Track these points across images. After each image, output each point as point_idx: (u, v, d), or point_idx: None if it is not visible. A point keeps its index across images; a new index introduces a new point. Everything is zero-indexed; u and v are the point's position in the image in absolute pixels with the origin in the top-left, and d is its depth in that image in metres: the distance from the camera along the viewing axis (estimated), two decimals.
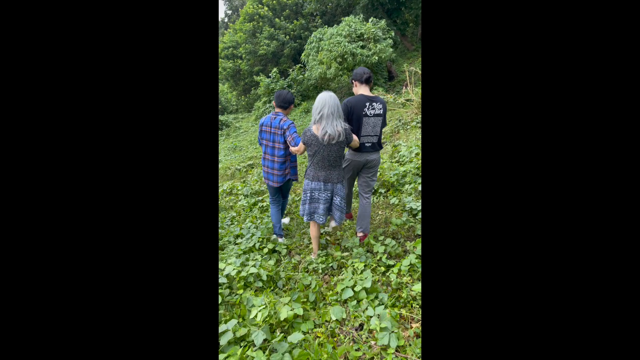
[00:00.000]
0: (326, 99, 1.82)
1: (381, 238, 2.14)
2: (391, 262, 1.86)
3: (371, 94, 2.06)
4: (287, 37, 14.81)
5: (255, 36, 15.02)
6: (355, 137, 1.97)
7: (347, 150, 2.14)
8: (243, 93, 16.19)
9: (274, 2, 15.39)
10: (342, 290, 1.65)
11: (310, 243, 2.30)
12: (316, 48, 9.90)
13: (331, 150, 1.86)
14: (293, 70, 12.97)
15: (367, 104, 2.00)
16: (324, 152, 1.86)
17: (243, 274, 1.75)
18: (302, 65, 12.72)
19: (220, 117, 13.16)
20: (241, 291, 1.69)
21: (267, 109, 12.33)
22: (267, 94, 13.24)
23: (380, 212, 2.68)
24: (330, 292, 1.73)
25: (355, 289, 1.62)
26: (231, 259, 1.97)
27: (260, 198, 3.40)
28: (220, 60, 16.07)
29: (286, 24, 15.05)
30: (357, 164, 2.13)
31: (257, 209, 3.18)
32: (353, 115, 2.01)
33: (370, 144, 2.07)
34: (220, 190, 4.35)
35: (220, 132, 12.49)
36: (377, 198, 2.95)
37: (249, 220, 2.82)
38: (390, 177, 3.00)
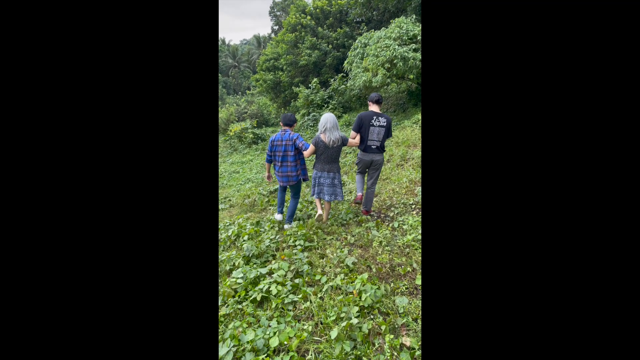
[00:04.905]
0: (328, 118, 2.94)
1: None
2: None
3: (379, 112, 3.07)
4: (330, 46, 13.88)
5: (297, 47, 14.31)
6: (350, 140, 3.07)
7: (358, 152, 3.27)
8: (283, 105, 15.53)
9: (317, 10, 14.63)
10: None
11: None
12: (361, 54, 8.70)
13: (332, 151, 2.99)
14: (334, 80, 11.92)
15: (374, 117, 3.02)
16: (328, 152, 2.99)
17: None
18: (344, 75, 11.63)
19: (258, 131, 12.50)
20: None
21: (306, 121, 11.33)
22: (306, 105, 12.28)
23: None
24: None
25: None
26: None
27: (263, 271, 2.17)
28: (261, 72, 15.67)
29: (329, 32, 14.15)
30: (365, 162, 3.13)
31: (256, 293, 1.94)
32: (363, 124, 3.03)
33: (374, 147, 3.08)
34: (224, 235, 3.24)
35: (255, 147, 11.80)
36: None
37: (232, 330, 1.59)
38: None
